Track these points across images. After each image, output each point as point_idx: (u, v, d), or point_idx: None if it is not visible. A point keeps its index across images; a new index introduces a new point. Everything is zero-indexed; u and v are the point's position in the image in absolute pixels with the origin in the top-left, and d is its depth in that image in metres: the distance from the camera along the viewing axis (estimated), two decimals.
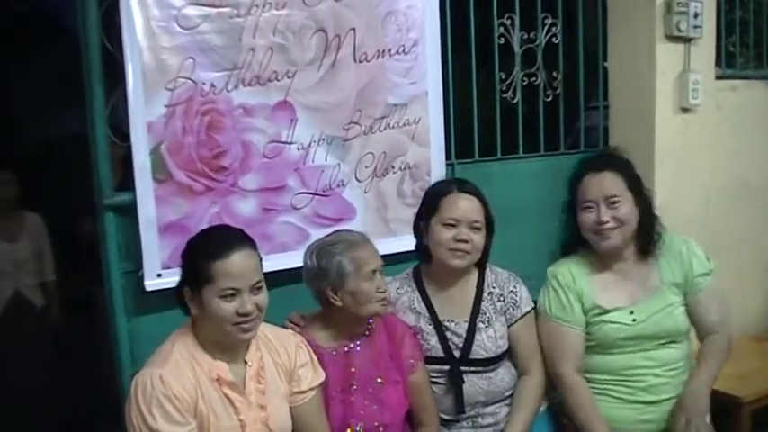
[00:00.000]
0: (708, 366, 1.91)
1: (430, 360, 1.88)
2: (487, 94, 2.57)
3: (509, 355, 1.95)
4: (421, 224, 1.93)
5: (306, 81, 2.10)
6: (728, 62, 3.03)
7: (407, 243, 2.05)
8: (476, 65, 2.51)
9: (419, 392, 1.83)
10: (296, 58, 2.08)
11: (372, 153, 2.25)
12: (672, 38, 2.63)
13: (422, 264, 1.98)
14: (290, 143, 2.10)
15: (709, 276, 1.94)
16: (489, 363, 1.89)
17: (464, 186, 1.92)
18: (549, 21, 2.66)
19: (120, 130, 1.91)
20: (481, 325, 1.89)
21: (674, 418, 1.86)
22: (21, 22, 5.59)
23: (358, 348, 1.78)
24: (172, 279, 1.69)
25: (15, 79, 6.01)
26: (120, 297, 1.93)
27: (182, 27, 1.91)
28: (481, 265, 1.95)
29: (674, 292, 1.93)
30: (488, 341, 1.88)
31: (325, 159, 2.17)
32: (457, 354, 1.88)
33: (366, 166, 2.24)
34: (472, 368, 1.88)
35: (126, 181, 1.93)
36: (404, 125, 2.30)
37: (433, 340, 1.89)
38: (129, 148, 1.88)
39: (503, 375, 1.92)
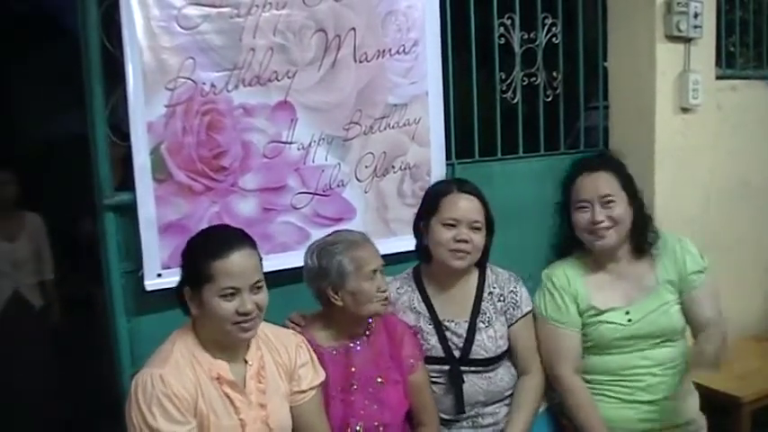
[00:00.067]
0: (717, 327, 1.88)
1: (430, 360, 1.88)
2: (487, 94, 2.57)
3: (509, 355, 1.95)
4: (421, 224, 1.93)
5: (306, 81, 2.10)
6: (728, 62, 3.03)
7: (407, 243, 2.05)
8: (476, 65, 2.51)
9: (419, 392, 1.83)
10: (296, 58, 2.08)
11: (372, 153, 2.25)
12: (672, 38, 2.63)
13: (422, 264, 1.98)
14: (290, 143, 2.10)
15: (703, 274, 1.94)
16: (489, 363, 1.89)
17: (464, 186, 1.91)
18: (549, 21, 2.66)
19: (120, 130, 1.91)
20: (481, 325, 1.89)
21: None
22: (21, 22, 5.59)
23: (358, 348, 1.78)
24: (172, 279, 1.69)
25: (15, 79, 6.01)
26: (120, 297, 1.93)
27: (182, 27, 1.91)
28: (481, 265, 1.95)
29: (669, 291, 1.93)
30: (488, 341, 1.88)
31: (326, 159, 2.17)
32: (457, 354, 1.88)
33: (366, 166, 2.24)
34: (472, 368, 1.88)
35: (126, 181, 1.93)
36: (404, 125, 2.30)
37: (433, 340, 1.89)
38: (129, 147, 1.88)
39: (503, 375, 1.92)
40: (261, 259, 1.55)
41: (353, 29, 2.16)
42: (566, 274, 1.97)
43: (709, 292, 1.95)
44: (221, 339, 1.51)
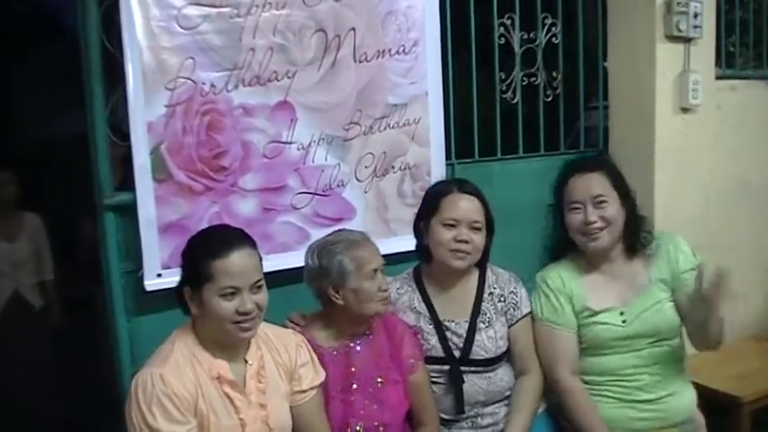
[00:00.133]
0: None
1: (430, 360, 1.88)
2: (487, 94, 2.57)
3: (508, 355, 1.95)
4: (421, 224, 1.93)
5: (306, 81, 2.10)
6: (728, 62, 3.03)
7: (407, 243, 2.05)
8: (476, 65, 2.51)
9: (419, 392, 1.83)
10: (296, 58, 2.08)
11: (372, 153, 2.25)
12: (672, 38, 2.63)
13: (422, 264, 1.98)
14: (290, 143, 2.10)
15: (695, 272, 1.94)
16: (489, 363, 1.89)
17: (464, 186, 1.91)
18: (549, 21, 2.66)
19: (120, 130, 1.91)
20: (482, 325, 1.89)
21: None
22: (21, 22, 5.59)
23: (358, 348, 1.78)
24: (172, 279, 1.69)
25: (15, 79, 6.02)
26: (120, 297, 1.93)
27: (182, 27, 1.91)
28: (481, 265, 1.95)
29: (662, 289, 1.93)
30: (488, 341, 1.88)
31: (325, 159, 2.17)
32: (457, 354, 1.88)
33: (366, 166, 2.24)
34: (472, 368, 1.87)
35: (126, 181, 1.93)
36: (404, 125, 2.30)
37: (434, 340, 1.89)
38: (129, 148, 1.88)
39: (502, 375, 1.92)
40: (261, 259, 1.55)
41: (353, 29, 2.16)
42: (560, 276, 1.98)
43: None
44: (221, 339, 1.51)
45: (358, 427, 1.74)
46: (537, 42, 2.64)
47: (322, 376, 1.68)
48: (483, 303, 1.92)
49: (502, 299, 1.93)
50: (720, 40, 2.92)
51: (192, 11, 1.92)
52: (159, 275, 1.93)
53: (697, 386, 2.03)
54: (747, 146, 3.00)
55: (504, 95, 2.59)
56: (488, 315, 1.91)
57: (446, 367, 1.87)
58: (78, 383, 3.46)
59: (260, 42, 2.02)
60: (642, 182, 2.61)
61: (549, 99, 2.69)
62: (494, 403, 1.91)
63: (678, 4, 2.58)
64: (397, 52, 2.26)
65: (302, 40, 2.09)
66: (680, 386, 1.93)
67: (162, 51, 1.89)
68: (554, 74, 2.69)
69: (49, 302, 3.55)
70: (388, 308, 1.81)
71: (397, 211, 2.31)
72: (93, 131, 1.89)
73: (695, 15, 2.62)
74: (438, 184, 2.05)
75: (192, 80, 1.93)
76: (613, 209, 1.90)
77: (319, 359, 1.70)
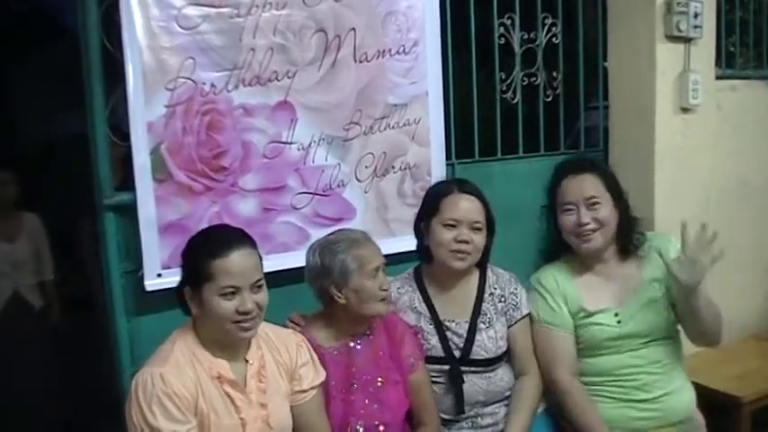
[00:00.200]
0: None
1: (430, 360, 1.88)
2: (487, 94, 2.57)
3: (508, 355, 1.95)
4: (422, 224, 1.94)
5: (306, 81, 2.10)
6: (728, 62, 3.03)
7: (408, 243, 2.05)
8: (476, 65, 2.50)
9: (419, 392, 1.83)
10: (296, 58, 2.08)
11: (372, 153, 2.25)
12: (672, 38, 2.63)
13: (423, 264, 1.98)
14: (290, 143, 2.10)
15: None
16: (489, 363, 1.89)
17: (465, 187, 1.92)
18: (549, 21, 2.66)
19: (120, 130, 1.91)
20: (482, 325, 1.89)
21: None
22: (21, 22, 5.59)
23: (359, 348, 1.78)
24: (172, 279, 1.69)
25: (15, 79, 6.02)
26: (120, 297, 1.92)
27: (182, 27, 1.90)
28: (482, 265, 1.95)
29: (656, 289, 1.94)
30: (489, 341, 1.88)
31: (326, 159, 2.17)
32: (457, 354, 1.88)
33: (366, 166, 2.24)
34: (472, 368, 1.88)
35: (126, 181, 1.93)
36: (404, 125, 2.30)
37: (434, 340, 1.89)
38: (129, 148, 1.88)
39: (502, 375, 1.92)
40: (261, 258, 1.55)
41: (353, 29, 2.16)
42: (554, 278, 1.99)
43: None
44: (221, 338, 1.51)
45: (358, 427, 1.74)
46: (537, 42, 2.63)
47: (322, 376, 1.68)
48: (483, 304, 1.92)
49: (502, 299, 1.93)
50: (720, 40, 2.91)
51: (192, 11, 1.91)
52: (159, 275, 1.92)
53: (697, 386, 2.04)
54: (747, 146, 3.00)
55: (504, 95, 2.59)
56: (489, 315, 1.91)
57: (446, 367, 1.87)
58: (78, 383, 3.46)
59: (260, 42, 2.02)
60: (642, 182, 2.62)
61: (549, 99, 2.69)
62: (494, 403, 1.91)
63: (678, 4, 2.57)
64: (398, 52, 2.26)
65: (302, 41, 2.09)
66: (678, 385, 1.93)
67: (162, 51, 1.88)
68: (554, 74, 2.69)
69: (49, 303, 3.55)
70: (389, 308, 1.81)
71: (398, 211, 2.31)
72: (93, 131, 1.88)
73: (695, 15, 2.62)
74: (438, 184, 2.06)
75: (192, 80, 1.93)
76: (606, 210, 1.90)
77: (320, 359, 1.70)
